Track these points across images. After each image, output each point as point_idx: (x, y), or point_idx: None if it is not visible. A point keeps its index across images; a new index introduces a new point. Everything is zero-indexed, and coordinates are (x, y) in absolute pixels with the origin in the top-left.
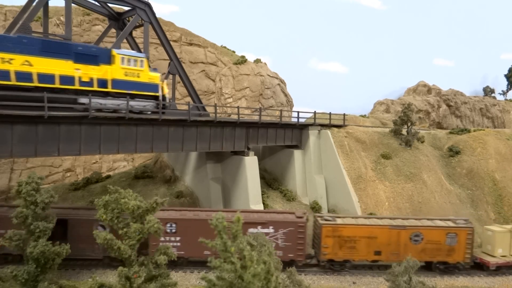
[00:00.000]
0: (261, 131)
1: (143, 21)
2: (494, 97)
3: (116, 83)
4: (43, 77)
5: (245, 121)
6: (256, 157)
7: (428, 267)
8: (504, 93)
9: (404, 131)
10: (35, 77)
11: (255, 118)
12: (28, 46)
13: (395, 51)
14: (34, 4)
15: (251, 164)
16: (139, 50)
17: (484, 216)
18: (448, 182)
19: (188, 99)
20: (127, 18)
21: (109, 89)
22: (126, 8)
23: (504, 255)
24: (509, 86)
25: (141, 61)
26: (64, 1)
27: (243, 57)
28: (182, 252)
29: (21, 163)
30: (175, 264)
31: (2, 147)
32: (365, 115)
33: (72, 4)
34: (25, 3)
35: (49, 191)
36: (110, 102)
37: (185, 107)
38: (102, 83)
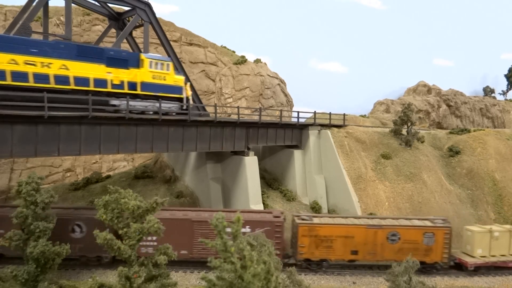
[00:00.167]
0: (261, 131)
1: (143, 21)
2: (494, 97)
3: (144, 85)
4: (79, 80)
5: (245, 121)
6: (256, 157)
7: None
8: (504, 93)
9: (404, 131)
10: (71, 80)
11: (255, 118)
12: (65, 51)
13: (395, 51)
14: (34, 4)
15: (251, 164)
16: (139, 50)
17: (484, 216)
18: (448, 182)
19: None
20: (127, 18)
21: (138, 92)
22: (126, 8)
23: (483, 256)
24: (509, 86)
25: (167, 64)
26: (64, 1)
27: (243, 57)
28: None
29: (21, 163)
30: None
31: (2, 147)
32: (365, 115)
33: (72, 4)
34: (25, 3)
35: (49, 191)
36: (138, 104)
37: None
38: (132, 85)
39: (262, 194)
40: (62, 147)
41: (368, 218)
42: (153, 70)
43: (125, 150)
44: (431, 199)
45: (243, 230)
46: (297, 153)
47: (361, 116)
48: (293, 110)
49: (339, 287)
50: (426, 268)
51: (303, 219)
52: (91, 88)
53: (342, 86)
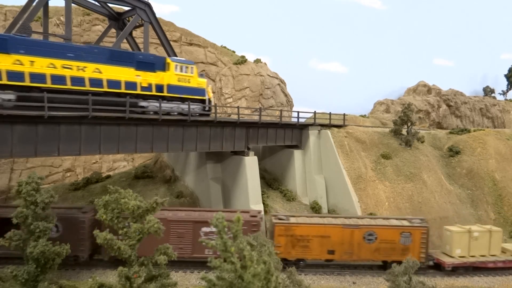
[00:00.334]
0: (261, 131)
1: (143, 21)
2: (494, 97)
3: (170, 88)
4: (111, 83)
5: (245, 121)
6: (256, 157)
7: (385, 267)
8: (504, 93)
9: (404, 131)
10: (104, 83)
11: (255, 118)
12: (98, 55)
13: (395, 51)
14: (34, 4)
15: (251, 164)
16: (139, 50)
17: (484, 216)
18: (448, 182)
19: None
20: (127, 18)
21: (165, 94)
22: (126, 8)
23: (462, 256)
24: (509, 86)
25: (192, 68)
26: (64, 1)
27: (243, 57)
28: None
29: (21, 163)
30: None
31: (2, 147)
32: (365, 115)
33: (72, 4)
34: (25, 3)
35: (49, 191)
36: (164, 105)
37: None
38: (159, 88)
39: (262, 194)
40: (62, 147)
41: (345, 218)
42: (178, 73)
43: (125, 150)
44: (431, 199)
45: None
46: (297, 153)
47: (361, 116)
48: (293, 110)
49: (339, 287)
50: None
51: (279, 219)
52: (123, 90)
53: (342, 86)
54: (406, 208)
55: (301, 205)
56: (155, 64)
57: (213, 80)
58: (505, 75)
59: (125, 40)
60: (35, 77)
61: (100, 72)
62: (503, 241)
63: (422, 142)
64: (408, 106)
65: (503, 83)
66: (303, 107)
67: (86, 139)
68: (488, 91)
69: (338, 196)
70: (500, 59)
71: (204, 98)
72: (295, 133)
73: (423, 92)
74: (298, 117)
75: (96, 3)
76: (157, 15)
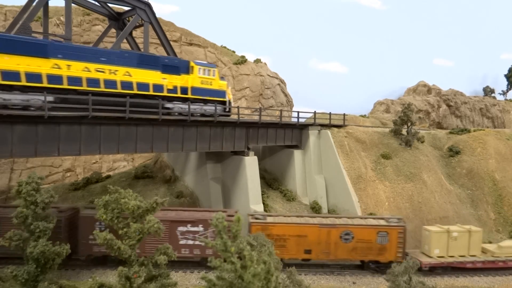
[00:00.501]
0: (261, 131)
1: (143, 21)
2: (494, 97)
3: (194, 90)
4: (140, 86)
5: (245, 121)
6: (256, 157)
7: (363, 266)
8: (504, 93)
9: (404, 131)
10: (134, 86)
11: (255, 118)
12: (128, 59)
13: (395, 51)
14: (34, 4)
15: (251, 164)
16: (139, 50)
17: (484, 216)
18: (448, 182)
19: None
20: (127, 18)
21: (189, 96)
22: (126, 8)
23: (441, 256)
24: (509, 86)
25: (214, 70)
26: (64, 1)
27: (243, 57)
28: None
29: (21, 163)
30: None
31: (2, 147)
32: (365, 115)
33: (72, 4)
34: (25, 3)
35: (49, 191)
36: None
37: None
38: (184, 90)
39: (262, 194)
40: (62, 147)
41: (322, 217)
42: (201, 76)
43: (125, 150)
44: (431, 199)
45: (195, 229)
46: (297, 153)
47: (361, 116)
48: (293, 110)
49: (339, 287)
50: (381, 268)
51: (256, 218)
52: (151, 92)
53: (342, 86)
54: (406, 208)
55: (301, 205)
56: (180, 67)
57: None
58: (505, 75)
59: (125, 40)
60: (72, 80)
61: (130, 75)
62: (488, 242)
63: (422, 142)
64: (408, 106)
65: (503, 83)
66: (303, 107)
67: (86, 139)
68: (488, 91)
69: (338, 196)
70: (500, 59)
71: (225, 99)
72: (295, 133)
73: (423, 92)
74: (298, 117)
75: (96, 3)
76: (157, 15)
